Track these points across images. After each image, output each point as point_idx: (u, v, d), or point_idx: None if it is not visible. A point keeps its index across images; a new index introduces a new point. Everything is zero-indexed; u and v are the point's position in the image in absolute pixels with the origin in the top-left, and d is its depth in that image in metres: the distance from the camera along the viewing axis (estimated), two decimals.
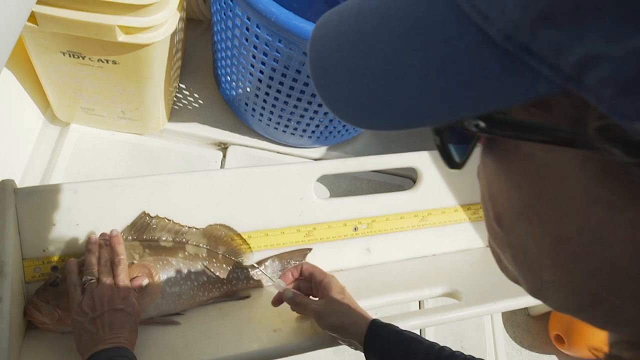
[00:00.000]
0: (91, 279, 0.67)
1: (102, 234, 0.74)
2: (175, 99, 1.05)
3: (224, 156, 1.03)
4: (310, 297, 0.73)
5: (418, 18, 0.21)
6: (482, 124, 0.20)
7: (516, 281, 0.28)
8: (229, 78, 0.98)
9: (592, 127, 0.17)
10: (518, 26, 0.17)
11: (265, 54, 0.82)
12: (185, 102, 1.06)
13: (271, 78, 0.87)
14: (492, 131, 0.20)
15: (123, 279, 0.69)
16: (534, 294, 0.26)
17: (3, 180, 0.71)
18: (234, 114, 1.06)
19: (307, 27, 0.72)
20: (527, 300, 0.83)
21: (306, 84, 0.85)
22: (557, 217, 0.21)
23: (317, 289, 0.71)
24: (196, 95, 1.07)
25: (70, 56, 0.79)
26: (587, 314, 0.24)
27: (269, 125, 1.01)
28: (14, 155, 0.91)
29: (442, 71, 0.20)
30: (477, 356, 0.59)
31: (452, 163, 0.24)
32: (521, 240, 0.24)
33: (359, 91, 0.23)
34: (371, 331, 0.65)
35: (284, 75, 0.84)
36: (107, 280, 0.68)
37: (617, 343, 0.25)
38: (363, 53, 0.23)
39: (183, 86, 1.07)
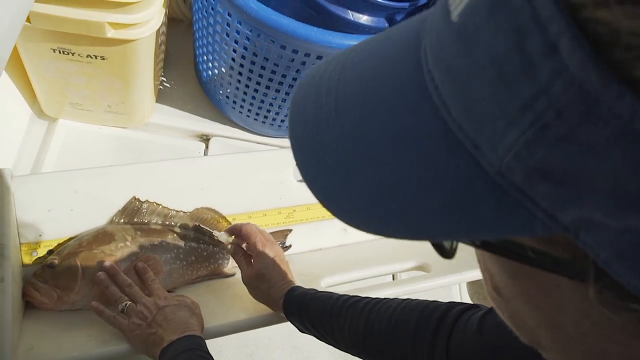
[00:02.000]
0: (126, 303, 0.71)
1: (104, 267, 0.76)
2: (159, 94, 1.10)
3: (207, 147, 1.09)
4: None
5: (406, 126, 0.20)
6: (478, 242, 0.20)
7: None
8: (209, 73, 1.03)
9: (589, 271, 0.17)
10: (511, 168, 0.17)
11: (245, 48, 0.87)
12: (169, 96, 1.12)
13: (250, 71, 0.92)
14: (487, 250, 0.20)
15: (157, 289, 0.73)
16: (531, 345, 0.27)
17: (1, 169, 0.75)
18: (215, 107, 1.12)
19: (285, 21, 0.78)
20: None
21: (284, 76, 0.91)
22: (554, 311, 0.21)
23: (252, 254, 0.76)
24: (179, 91, 1.13)
25: (60, 53, 0.84)
26: None
27: (248, 116, 1.06)
28: (2, 150, 0.95)
29: (434, 190, 0.19)
30: None
31: (446, 254, 0.24)
32: (518, 313, 0.25)
33: (348, 193, 0.22)
34: (287, 297, 0.70)
35: (262, 67, 0.90)
36: (140, 295, 0.72)
37: None
38: (351, 156, 0.22)
39: (166, 82, 1.13)
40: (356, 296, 0.67)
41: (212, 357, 0.63)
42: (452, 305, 0.59)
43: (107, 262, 0.76)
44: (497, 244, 0.20)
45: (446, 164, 0.18)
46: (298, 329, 0.72)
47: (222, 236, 0.80)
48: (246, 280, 0.76)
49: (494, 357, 0.52)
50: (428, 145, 0.19)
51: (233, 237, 0.80)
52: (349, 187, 0.22)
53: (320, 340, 0.69)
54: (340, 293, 0.69)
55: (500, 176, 0.17)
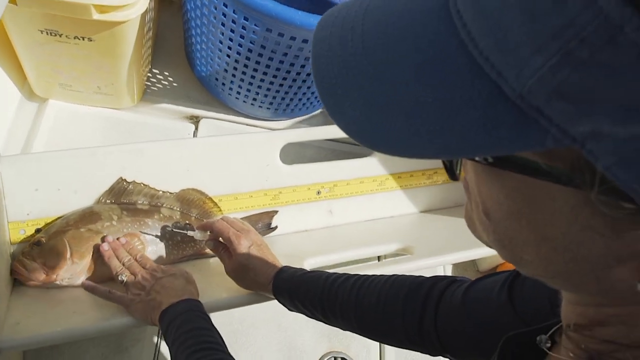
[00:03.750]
0: (126, 276, 0.74)
1: (107, 241, 0.79)
2: (149, 75, 1.11)
3: (196, 129, 1.10)
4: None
5: (430, 57, 0.22)
6: (490, 160, 0.23)
7: (489, 246, 0.32)
8: (199, 54, 1.04)
9: (590, 180, 0.21)
10: (532, 92, 0.19)
11: (232, 30, 0.88)
12: (159, 77, 1.12)
13: (239, 53, 0.93)
14: (498, 166, 0.23)
15: (150, 263, 0.77)
16: (511, 263, 0.30)
17: None
18: (205, 89, 1.13)
19: (270, 5, 0.79)
20: (474, 253, 0.91)
21: (270, 59, 0.91)
22: (543, 224, 0.25)
23: (229, 247, 0.77)
24: (169, 72, 1.13)
25: (47, 34, 0.85)
26: (555, 284, 0.29)
27: (238, 98, 1.07)
28: None
29: (456, 113, 0.21)
30: None
31: (454, 177, 0.28)
32: (507, 232, 0.28)
33: (373, 119, 0.24)
34: (275, 281, 0.72)
35: (250, 50, 0.91)
36: (139, 268, 0.75)
37: (571, 305, 0.31)
38: (376, 83, 0.24)
39: (156, 64, 1.13)
40: (345, 274, 0.69)
41: (210, 318, 0.66)
42: (438, 279, 0.61)
43: (110, 237, 0.79)
44: (506, 160, 0.23)
45: (470, 91, 0.21)
46: (288, 308, 0.74)
47: (197, 234, 0.82)
48: (231, 274, 0.78)
49: (477, 325, 0.54)
50: (454, 76, 0.22)
51: (209, 232, 0.81)
52: (381, 117, 0.24)
53: (311, 318, 0.71)
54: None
55: (521, 99, 0.20)
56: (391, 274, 0.66)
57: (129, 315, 0.71)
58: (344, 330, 0.68)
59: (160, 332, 0.66)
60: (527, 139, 0.21)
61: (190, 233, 0.83)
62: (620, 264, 0.24)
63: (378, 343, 1.01)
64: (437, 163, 1.05)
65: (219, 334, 0.64)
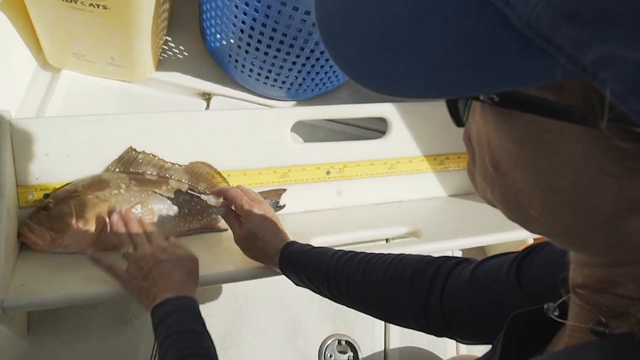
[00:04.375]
0: (129, 250, 0.72)
1: (120, 212, 0.78)
2: (162, 49, 1.11)
3: (208, 105, 1.09)
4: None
5: None
6: (496, 99, 0.22)
7: (492, 205, 0.31)
8: (213, 30, 1.04)
9: (600, 111, 0.20)
10: (540, 18, 0.19)
11: (247, 4, 0.87)
12: (172, 53, 1.12)
13: (252, 28, 0.92)
14: (505, 105, 0.22)
15: (157, 238, 0.74)
16: (516, 222, 0.30)
17: (0, 111, 0.76)
18: (218, 66, 1.12)
19: None
20: (482, 239, 0.90)
21: (284, 34, 0.91)
22: (552, 171, 0.24)
23: (240, 215, 0.77)
24: (182, 47, 1.13)
25: (63, 0, 0.84)
26: (563, 242, 0.28)
27: (250, 76, 1.07)
28: (6, 99, 0.96)
29: (461, 46, 0.21)
30: None
31: (460, 122, 0.28)
32: (514, 184, 0.27)
33: (375, 57, 0.23)
34: (282, 254, 0.71)
35: (264, 25, 0.90)
36: (144, 243, 0.73)
37: (579, 267, 0.30)
38: (378, 17, 0.23)
39: (170, 38, 1.13)
40: (352, 251, 0.69)
41: (203, 320, 0.64)
42: (446, 258, 0.61)
43: (124, 208, 0.78)
44: (513, 98, 0.22)
45: (475, 24, 0.20)
46: (294, 282, 0.73)
47: (211, 199, 0.81)
48: (239, 242, 0.77)
49: (484, 304, 0.53)
50: (459, 8, 0.21)
51: (222, 199, 0.80)
52: (382, 56, 0.23)
53: (316, 293, 0.71)
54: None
55: (528, 27, 0.19)
56: (390, 253, 0.66)
57: (126, 290, 0.70)
58: (348, 307, 0.68)
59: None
60: (535, 72, 0.20)
61: (203, 197, 0.82)
62: (633, 214, 0.23)
63: (383, 327, 1.00)
64: (449, 148, 1.04)
65: (210, 338, 0.62)
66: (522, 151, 0.25)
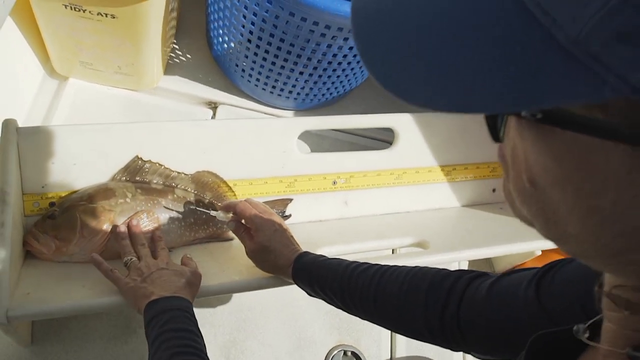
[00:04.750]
0: (131, 258, 0.73)
1: (129, 223, 0.79)
2: (169, 58, 1.11)
3: (214, 115, 1.09)
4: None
5: (479, 10, 0.22)
6: (539, 115, 0.22)
7: (528, 223, 0.31)
8: (220, 39, 1.04)
9: None
10: (590, 36, 0.19)
11: (255, 14, 0.87)
12: (179, 62, 1.12)
13: (259, 38, 0.92)
14: (548, 122, 0.22)
15: (162, 250, 0.75)
16: (553, 240, 0.29)
17: (7, 119, 0.76)
18: (225, 76, 1.12)
19: None
20: (489, 251, 0.90)
21: (292, 44, 0.91)
22: (593, 190, 0.23)
23: (251, 229, 0.77)
24: (189, 56, 1.13)
25: (71, 9, 0.85)
26: (602, 263, 0.27)
27: (257, 86, 1.07)
28: (13, 107, 0.96)
29: (506, 64, 0.21)
30: None
31: (497, 138, 0.27)
32: (552, 201, 0.26)
33: (415, 73, 0.24)
34: (296, 265, 0.71)
35: (271, 35, 0.90)
36: (147, 255, 0.73)
37: (620, 287, 0.29)
38: (420, 37, 0.24)
39: (177, 47, 1.13)
40: (366, 263, 0.68)
41: (196, 322, 0.63)
42: (462, 272, 0.60)
43: (134, 220, 0.79)
44: (556, 116, 0.22)
45: (521, 41, 0.21)
46: (307, 293, 0.73)
47: (220, 214, 0.81)
48: (251, 255, 0.77)
49: (501, 319, 0.52)
50: (505, 26, 0.21)
51: (231, 214, 0.80)
52: (424, 70, 0.23)
53: (329, 304, 0.70)
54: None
55: (576, 45, 0.19)
56: (405, 266, 0.66)
57: (121, 295, 0.69)
58: (362, 318, 0.67)
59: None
60: (581, 89, 0.19)
61: (212, 213, 0.82)
62: None
63: (389, 337, 0.99)
64: (456, 159, 1.04)
65: (203, 341, 0.62)
66: (561, 169, 0.25)
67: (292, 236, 0.77)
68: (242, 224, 0.79)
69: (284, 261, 0.73)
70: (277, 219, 0.78)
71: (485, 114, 0.26)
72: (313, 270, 0.70)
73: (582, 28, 0.19)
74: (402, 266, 0.65)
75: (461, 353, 1.00)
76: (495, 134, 0.27)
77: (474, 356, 0.58)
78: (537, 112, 0.22)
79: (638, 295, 0.28)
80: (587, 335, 0.33)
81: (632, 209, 0.23)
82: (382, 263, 0.76)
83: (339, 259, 0.71)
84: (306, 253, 0.73)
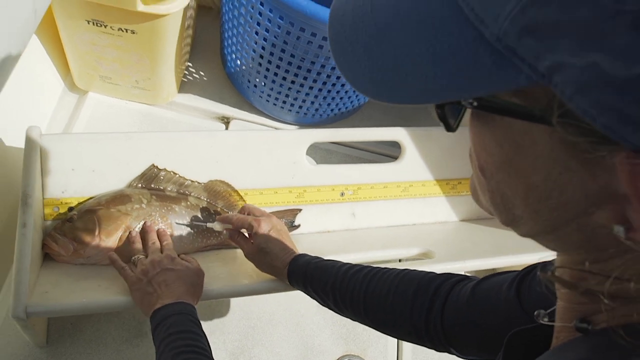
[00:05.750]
0: (139, 256, 0.77)
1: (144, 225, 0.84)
2: (184, 75, 1.15)
3: (226, 129, 1.13)
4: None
5: (425, 14, 0.26)
6: (475, 103, 0.26)
7: (489, 212, 0.34)
8: (233, 56, 1.08)
9: (557, 112, 0.23)
10: (507, 33, 0.22)
11: (267, 30, 0.92)
12: (193, 78, 1.16)
13: (271, 54, 0.96)
14: (482, 108, 0.26)
15: (168, 248, 0.79)
16: (506, 223, 0.32)
17: (31, 126, 0.80)
18: (238, 92, 1.16)
19: (305, 3, 0.82)
20: (494, 262, 0.91)
21: (302, 59, 0.95)
22: (528, 169, 0.27)
23: (249, 232, 0.81)
24: (203, 73, 1.17)
25: (93, 24, 0.89)
26: (545, 239, 0.31)
27: (268, 101, 1.10)
28: (36, 117, 1.01)
29: (446, 60, 0.24)
30: None
31: (449, 128, 0.30)
32: (499, 187, 0.30)
33: (376, 71, 0.28)
34: (291, 267, 0.74)
35: (282, 50, 0.94)
36: (154, 252, 0.77)
37: (560, 268, 0.32)
38: (379, 40, 0.27)
39: (191, 65, 1.17)
40: (359, 265, 0.70)
41: (200, 324, 0.66)
42: (447, 276, 0.63)
43: (148, 222, 0.83)
44: (488, 103, 0.26)
45: (458, 40, 0.24)
46: (307, 294, 0.75)
47: (216, 225, 0.84)
48: (249, 257, 0.80)
49: (484, 320, 0.55)
50: (445, 28, 0.25)
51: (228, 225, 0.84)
52: (384, 72, 0.28)
53: (322, 305, 0.72)
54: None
55: (499, 41, 0.23)
56: (395, 268, 0.69)
57: (131, 296, 0.72)
58: (352, 320, 0.69)
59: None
60: (505, 79, 0.23)
61: (208, 225, 0.85)
62: (598, 209, 0.25)
63: (395, 347, 1.00)
64: (461, 173, 1.06)
65: (207, 341, 0.65)
66: (502, 153, 0.28)
67: (289, 239, 0.80)
68: (237, 231, 0.82)
69: (279, 263, 0.75)
70: (275, 222, 0.81)
71: (435, 106, 0.29)
72: (307, 271, 0.72)
73: (501, 25, 0.22)
74: (392, 268, 0.67)
75: None
76: (447, 124, 0.30)
77: (458, 356, 0.60)
78: (473, 100, 0.25)
79: (575, 273, 0.30)
80: (546, 319, 0.35)
81: (559, 185, 0.26)
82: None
83: (333, 260, 0.73)
84: (302, 255, 0.76)
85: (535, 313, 0.36)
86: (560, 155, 0.25)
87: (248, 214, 0.83)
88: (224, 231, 0.84)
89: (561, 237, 0.29)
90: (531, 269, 0.53)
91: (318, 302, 0.73)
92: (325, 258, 0.85)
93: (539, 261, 0.52)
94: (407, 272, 0.66)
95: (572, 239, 0.28)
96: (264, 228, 0.78)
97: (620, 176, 0.23)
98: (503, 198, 0.30)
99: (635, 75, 0.19)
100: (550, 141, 0.25)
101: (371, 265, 0.70)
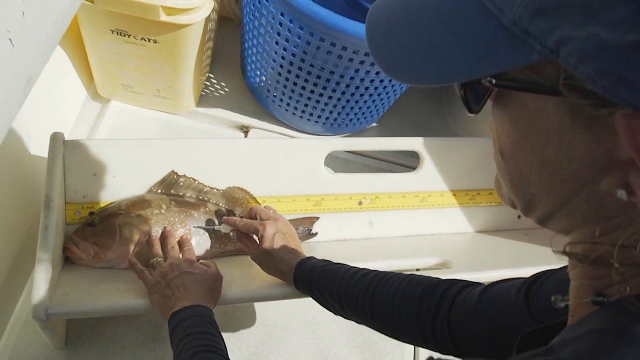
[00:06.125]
0: (158, 259, 0.78)
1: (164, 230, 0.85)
2: (204, 85, 1.17)
3: (245, 137, 1.14)
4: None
5: (452, 9, 0.30)
6: (494, 81, 0.29)
7: (512, 205, 0.38)
8: (253, 66, 1.09)
9: (563, 82, 0.26)
10: (521, 17, 0.26)
11: (287, 40, 0.93)
12: (213, 88, 1.18)
13: (291, 64, 0.98)
14: (500, 86, 0.29)
15: (188, 252, 0.81)
16: (525, 209, 0.36)
17: (55, 132, 0.82)
18: (257, 101, 1.18)
19: (325, 13, 0.83)
20: (512, 273, 0.90)
21: (322, 69, 0.95)
22: (542, 145, 0.30)
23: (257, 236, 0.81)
24: (223, 84, 1.19)
25: (117, 34, 0.91)
26: (558, 218, 0.34)
27: (287, 110, 1.11)
28: (60, 124, 1.03)
29: (470, 45, 0.29)
30: None
31: (471, 109, 0.33)
32: (517, 166, 0.34)
33: (409, 60, 0.32)
34: (297, 271, 0.74)
35: (302, 60, 0.95)
36: (174, 255, 0.78)
37: (572, 244, 0.34)
38: (410, 32, 0.32)
39: (212, 75, 1.19)
40: (364, 269, 0.71)
41: (217, 326, 0.67)
42: (454, 281, 0.63)
43: (168, 226, 0.84)
44: (506, 80, 0.29)
45: (480, 29, 0.28)
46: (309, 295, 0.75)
47: (223, 227, 0.86)
48: (255, 260, 0.81)
49: (492, 324, 0.55)
50: (468, 20, 0.29)
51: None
52: (414, 59, 0.32)
53: (328, 309, 0.73)
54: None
55: (514, 25, 0.26)
56: (401, 273, 0.69)
57: (149, 300, 0.73)
58: (358, 323, 0.70)
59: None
60: (519, 57, 0.27)
61: (216, 227, 0.87)
62: (604, 176, 0.28)
63: (412, 357, 0.99)
64: (480, 184, 1.05)
65: (224, 343, 0.65)
66: (518, 132, 0.32)
67: (297, 242, 0.81)
68: (243, 232, 0.83)
69: (285, 267, 0.76)
70: (282, 224, 0.82)
71: (460, 91, 0.33)
72: (313, 275, 0.72)
73: (516, 11, 0.26)
74: (399, 273, 0.68)
75: None
76: (468, 106, 0.34)
77: None
78: (491, 78, 0.29)
79: (587, 247, 0.33)
80: (562, 304, 0.37)
81: (569, 155, 0.29)
82: None
83: (340, 264, 0.73)
84: (309, 259, 0.76)
85: (553, 298, 0.38)
86: (568, 123, 0.28)
87: (255, 216, 0.84)
88: (231, 233, 0.85)
89: (572, 210, 0.32)
90: (540, 275, 0.54)
91: (323, 305, 0.73)
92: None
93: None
94: (414, 276, 0.67)
95: (581, 211, 0.31)
96: (270, 231, 0.79)
97: (619, 133, 0.25)
98: (520, 177, 0.34)
99: (630, 42, 0.22)
100: (559, 113, 0.28)
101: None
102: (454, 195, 1.05)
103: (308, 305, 0.78)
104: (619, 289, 0.30)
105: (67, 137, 1.00)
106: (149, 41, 0.92)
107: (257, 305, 0.97)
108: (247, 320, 0.96)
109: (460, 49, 0.29)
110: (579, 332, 0.31)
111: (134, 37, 0.92)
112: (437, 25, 0.30)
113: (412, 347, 0.98)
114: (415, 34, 0.32)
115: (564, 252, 0.34)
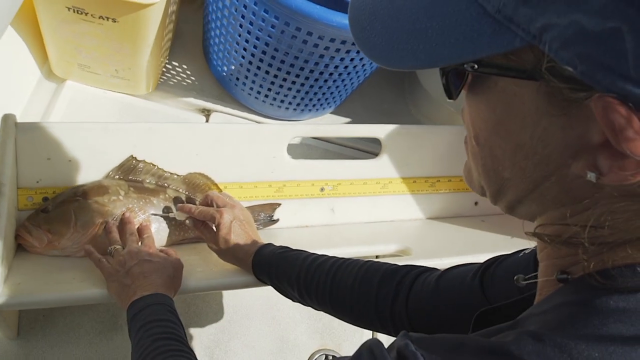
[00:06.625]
0: (116, 247, 0.76)
1: (123, 215, 0.82)
2: (165, 67, 1.14)
3: (207, 121, 1.12)
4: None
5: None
6: (476, 66, 0.30)
7: (482, 191, 0.39)
8: (216, 48, 1.07)
9: (545, 66, 0.27)
10: (506, 4, 0.27)
11: (251, 23, 0.91)
12: (174, 71, 1.15)
13: (255, 47, 0.96)
14: (482, 70, 0.30)
15: (148, 239, 0.79)
16: (495, 195, 0.37)
17: (6, 114, 0.78)
18: (219, 84, 1.15)
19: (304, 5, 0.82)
20: (471, 259, 0.92)
21: (286, 53, 0.94)
22: (518, 129, 0.31)
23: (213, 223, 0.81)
24: (185, 66, 1.16)
25: (74, 12, 0.87)
26: (528, 202, 0.35)
27: (250, 94, 1.10)
28: (11, 104, 0.98)
29: (454, 31, 0.29)
30: None
31: (451, 95, 0.35)
32: (491, 151, 0.34)
33: (392, 44, 0.32)
34: (255, 258, 0.74)
35: (266, 44, 0.93)
36: (132, 243, 0.76)
37: (541, 225, 0.35)
38: (395, 17, 0.32)
39: (173, 56, 1.16)
40: (323, 256, 0.71)
41: (177, 314, 0.66)
42: (412, 267, 0.65)
43: (127, 213, 0.82)
44: (488, 65, 0.30)
45: (464, 15, 0.29)
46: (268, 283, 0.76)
47: (178, 215, 0.84)
48: (212, 248, 0.80)
49: (449, 307, 0.57)
50: (453, 6, 0.29)
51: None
52: (397, 43, 0.32)
53: (287, 297, 0.73)
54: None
55: (498, 12, 0.27)
56: (359, 259, 0.70)
57: (107, 289, 0.71)
58: (317, 310, 0.70)
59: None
60: (502, 43, 0.28)
61: (171, 215, 0.85)
62: (575, 160, 0.29)
63: None
64: (440, 171, 1.07)
65: (183, 329, 0.65)
66: (495, 116, 0.33)
67: (254, 229, 0.81)
68: (199, 220, 0.82)
69: (242, 254, 0.76)
70: (239, 211, 0.81)
71: (442, 77, 0.34)
72: (272, 262, 0.73)
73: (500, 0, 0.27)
74: (357, 259, 0.69)
75: None
76: (449, 92, 0.35)
77: None
78: (473, 64, 0.30)
79: (557, 228, 0.34)
80: (524, 283, 0.40)
81: (543, 139, 0.30)
82: None
83: (298, 250, 0.73)
84: (266, 245, 0.76)
85: (515, 277, 0.41)
86: (545, 108, 0.29)
87: (211, 203, 0.83)
88: (187, 221, 0.84)
89: (543, 193, 0.33)
90: (493, 260, 0.56)
91: (282, 293, 0.73)
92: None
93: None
94: (372, 262, 0.68)
95: (552, 194, 0.33)
96: (227, 219, 0.78)
97: (595, 112, 0.26)
98: (494, 162, 0.35)
99: (609, 29, 0.24)
100: (536, 98, 0.29)
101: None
102: (415, 182, 1.07)
103: (268, 292, 0.78)
104: (583, 266, 0.32)
105: (19, 119, 0.97)
106: (108, 20, 0.89)
107: (217, 292, 0.97)
108: (207, 307, 0.95)
109: (444, 35, 0.29)
110: (545, 306, 0.33)
111: (92, 15, 0.88)
112: (421, 10, 0.31)
113: (370, 332, 1.00)
114: (399, 18, 0.32)
115: (535, 234, 0.36)
